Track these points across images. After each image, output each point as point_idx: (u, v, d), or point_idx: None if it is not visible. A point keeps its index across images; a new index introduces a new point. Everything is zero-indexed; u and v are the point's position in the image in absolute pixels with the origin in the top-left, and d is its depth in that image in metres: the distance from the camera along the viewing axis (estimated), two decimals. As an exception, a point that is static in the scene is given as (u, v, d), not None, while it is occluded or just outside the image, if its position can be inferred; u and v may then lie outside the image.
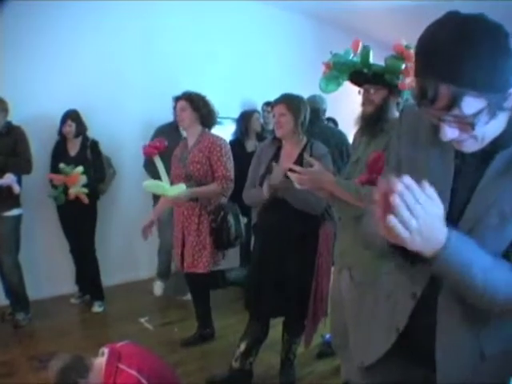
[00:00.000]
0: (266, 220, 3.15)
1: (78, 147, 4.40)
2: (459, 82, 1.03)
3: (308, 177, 2.41)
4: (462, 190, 1.23)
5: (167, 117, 4.59)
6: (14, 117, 4.09)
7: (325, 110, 4.59)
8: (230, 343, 3.71)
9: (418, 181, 1.26)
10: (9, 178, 3.87)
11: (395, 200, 0.99)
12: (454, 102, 1.05)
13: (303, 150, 3.04)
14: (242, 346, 3.19)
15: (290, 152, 3.07)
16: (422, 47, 1.10)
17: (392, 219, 1.00)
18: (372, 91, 2.56)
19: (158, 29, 5.06)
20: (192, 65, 5.15)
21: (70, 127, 4.36)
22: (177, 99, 3.63)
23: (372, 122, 2.55)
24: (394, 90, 2.55)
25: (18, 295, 4.18)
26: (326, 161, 2.96)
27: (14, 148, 3.98)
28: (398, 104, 2.61)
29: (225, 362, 3.35)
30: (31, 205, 4.38)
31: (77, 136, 4.41)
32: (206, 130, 3.63)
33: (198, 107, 3.54)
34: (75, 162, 4.27)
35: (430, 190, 1.03)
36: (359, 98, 2.65)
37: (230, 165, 3.52)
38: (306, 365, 3.51)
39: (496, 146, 1.17)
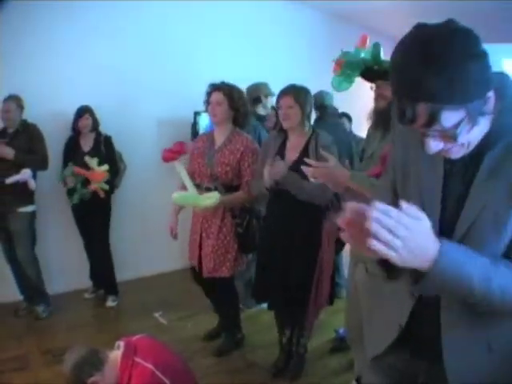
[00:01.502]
0: (272, 212, 3.20)
1: (92, 142, 4.41)
2: (435, 99, 1.02)
3: (322, 171, 2.40)
4: (454, 194, 1.22)
5: (179, 112, 4.57)
6: (27, 115, 4.13)
7: (331, 106, 4.54)
8: (243, 337, 3.73)
9: (410, 187, 1.29)
10: (25, 174, 3.91)
11: (373, 227, 0.98)
12: (433, 119, 1.05)
13: (309, 140, 3.06)
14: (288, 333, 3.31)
15: (295, 143, 3.09)
16: (394, 69, 1.11)
17: (375, 243, 0.99)
18: (384, 87, 2.55)
19: (169, 25, 5.03)
20: (203, 61, 5.13)
21: (88, 120, 4.37)
22: (214, 88, 3.32)
23: (385, 116, 2.54)
24: None
25: (37, 288, 4.23)
26: (331, 151, 2.97)
27: (29, 145, 4.03)
28: None
29: (239, 354, 3.36)
30: (45, 201, 4.41)
31: (92, 130, 4.42)
32: (237, 129, 3.38)
33: (236, 106, 3.29)
34: (90, 156, 4.28)
35: (410, 209, 1.01)
36: (371, 93, 2.66)
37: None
38: (318, 359, 3.50)
39: (482, 147, 1.17)
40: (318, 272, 3.03)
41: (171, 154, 3.17)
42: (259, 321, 3.91)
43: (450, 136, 1.09)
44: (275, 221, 3.15)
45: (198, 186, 3.30)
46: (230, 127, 3.35)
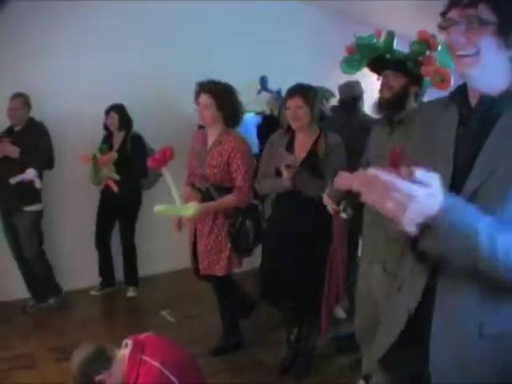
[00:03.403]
0: (279, 212, 3.21)
1: (120, 141, 4.45)
2: None
3: None
4: (466, 154, 1.26)
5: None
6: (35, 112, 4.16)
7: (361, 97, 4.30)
8: (251, 335, 3.74)
9: (424, 153, 1.38)
10: (30, 174, 3.92)
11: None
12: (473, 3, 1.16)
13: (317, 139, 3.07)
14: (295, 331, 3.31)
15: (303, 142, 3.10)
16: None
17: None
18: (391, 77, 2.54)
19: (181, 24, 5.02)
20: (212, 60, 5.08)
21: (113, 119, 4.41)
22: (201, 88, 3.29)
23: (390, 108, 2.54)
24: (413, 79, 2.54)
25: (48, 281, 4.28)
26: (339, 150, 3.02)
27: (35, 144, 4.03)
28: (416, 94, 2.60)
29: (247, 353, 3.35)
30: (51, 200, 4.41)
31: (120, 129, 4.45)
32: (228, 129, 3.34)
33: (224, 106, 3.25)
34: (118, 156, 4.34)
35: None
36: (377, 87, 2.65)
37: (249, 174, 3.28)
38: (325, 358, 3.48)
39: (498, 108, 1.22)
40: (328, 270, 3.01)
41: (154, 162, 3.13)
42: (266, 319, 3.90)
43: (474, 33, 1.18)
44: (281, 220, 3.17)
45: (192, 186, 3.37)
46: (220, 128, 3.32)
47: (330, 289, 3.04)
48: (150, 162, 3.16)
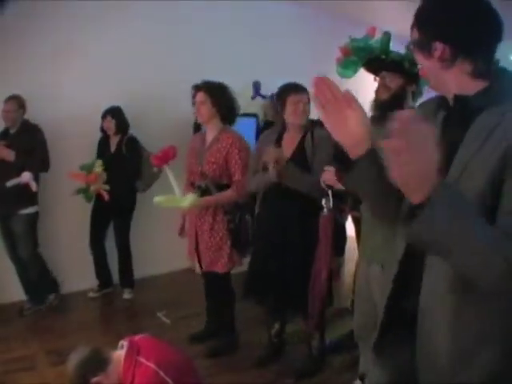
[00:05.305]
0: (265, 210, 3.22)
1: (116, 144, 4.49)
2: (415, 18, 1.36)
3: None
4: (445, 155, 1.24)
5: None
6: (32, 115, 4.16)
7: None
8: (249, 336, 3.73)
9: None
10: (26, 177, 3.92)
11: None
12: (411, 29, 1.36)
13: (305, 135, 3.09)
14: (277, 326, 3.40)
15: (292, 137, 3.12)
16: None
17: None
18: (388, 78, 2.55)
19: (176, 23, 5.01)
20: (208, 61, 5.10)
21: (110, 123, 4.44)
22: (196, 88, 3.40)
23: (388, 109, 2.54)
24: (410, 78, 2.54)
25: (46, 278, 4.31)
26: (327, 144, 2.98)
27: (30, 146, 4.03)
28: (413, 93, 2.60)
29: (244, 355, 3.35)
30: (48, 202, 4.42)
31: (117, 133, 4.48)
32: (226, 126, 3.43)
33: (219, 101, 3.33)
34: (113, 158, 4.39)
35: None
36: (373, 87, 2.65)
37: (247, 169, 3.33)
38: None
39: (471, 108, 1.27)
40: (314, 271, 3.00)
41: (158, 161, 3.27)
42: (263, 318, 3.90)
43: (414, 54, 1.39)
44: (269, 219, 3.18)
45: (191, 185, 3.44)
46: (218, 125, 3.40)
47: (314, 290, 3.04)
48: (153, 160, 3.30)
